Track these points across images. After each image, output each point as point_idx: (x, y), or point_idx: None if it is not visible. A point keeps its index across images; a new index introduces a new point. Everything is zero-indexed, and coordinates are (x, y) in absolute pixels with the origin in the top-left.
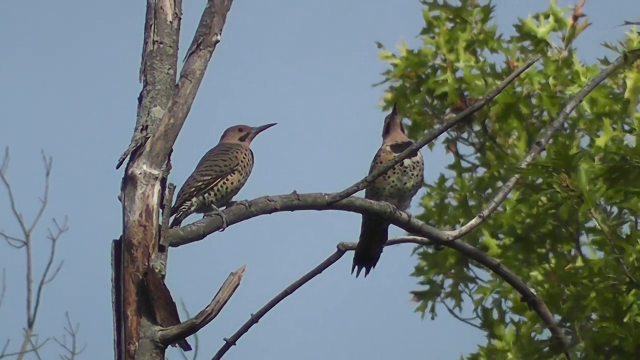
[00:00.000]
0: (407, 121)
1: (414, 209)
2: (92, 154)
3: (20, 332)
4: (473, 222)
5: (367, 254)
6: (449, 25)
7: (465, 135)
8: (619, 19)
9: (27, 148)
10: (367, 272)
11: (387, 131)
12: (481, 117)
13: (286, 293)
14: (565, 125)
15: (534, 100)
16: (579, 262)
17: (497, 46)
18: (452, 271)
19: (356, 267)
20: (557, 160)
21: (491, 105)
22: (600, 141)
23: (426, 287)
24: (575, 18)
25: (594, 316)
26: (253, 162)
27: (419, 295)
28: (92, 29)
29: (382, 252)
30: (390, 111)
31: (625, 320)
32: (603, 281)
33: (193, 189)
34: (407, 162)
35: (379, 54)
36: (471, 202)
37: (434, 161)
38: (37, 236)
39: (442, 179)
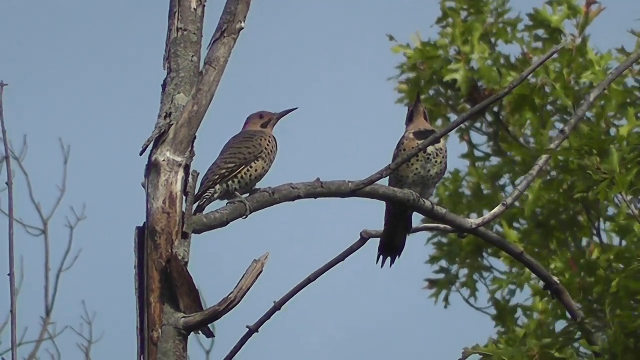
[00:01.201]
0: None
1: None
2: (109, 143)
3: (37, 320)
4: (497, 210)
5: (392, 244)
6: (464, 14)
7: (478, 124)
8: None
9: (45, 136)
10: (392, 262)
11: (410, 119)
12: (494, 107)
13: (309, 281)
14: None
15: (547, 89)
16: (596, 253)
17: (511, 37)
18: (468, 261)
19: (381, 257)
20: (590, 142)
21: (505, 101)
22: (624, 130)
23: (441, 276)
24: (589, 4)
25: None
26: (277, 149)
27: (433, 283)
28: (116, 15)
29: (406, 241)
30: (414, 100)
31: None
32: (630, 266)
33: (217, 176)
34: (430, 149)
35: (392, 48)
36: (485, 191)
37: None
38: (56, 224)
39: (457, 172)
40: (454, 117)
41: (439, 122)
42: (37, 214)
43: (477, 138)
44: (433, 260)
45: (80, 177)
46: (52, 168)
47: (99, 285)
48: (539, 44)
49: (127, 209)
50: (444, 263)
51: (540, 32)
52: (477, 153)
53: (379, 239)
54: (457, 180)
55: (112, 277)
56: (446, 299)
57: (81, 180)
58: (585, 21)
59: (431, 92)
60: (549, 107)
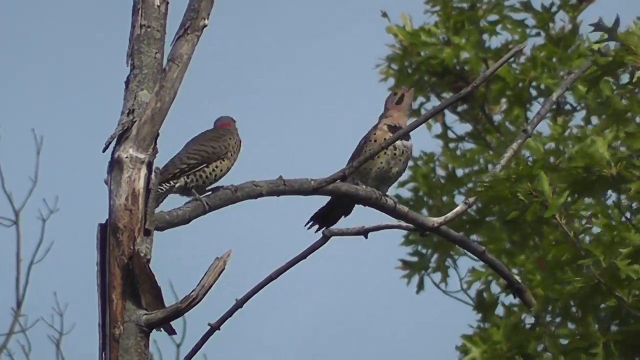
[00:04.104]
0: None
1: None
2: (81, 137)
3: (8, 311)
4: (459, 208)
5: (326, 217)
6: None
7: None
8: None
9: (17, 126)
10: (318, 229)
11: (394, 105)
12: (479, 99)
13: (271, 278)
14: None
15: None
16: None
17: (502, 28)
18: (436, 244)
19: (311, 223)
20: (518, 170)
21: (492, 87)
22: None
23: (415, 259)
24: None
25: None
26: (239, 149)
27: (407, 264)
28: (82, 12)
29: (338, 220)
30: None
31: (593, 322)
32: (570, 283)
33: (177, 170)
34: (399, 145)
35: (387, 28)
36: (459, 174)
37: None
38: (27, 216)
39: (431, 155)
40: (435, 102)
41: (420, 103)
42: (8, 204)
43: (450, 118)
44: (408, 242)
45: (53, 168)
46: (25, 158)
47: (71, 276)
48: (529, 31)
49: (99, 204)
50: (418, 247)
51: (529, 20)
52: (450, 134)
53: (341, 236)
54: (430, 162)
55: (83, 269)
56: (420, 284)
57: (54, 172)
58: (577, 8)
59: (416, 77)
60: (533, 93)
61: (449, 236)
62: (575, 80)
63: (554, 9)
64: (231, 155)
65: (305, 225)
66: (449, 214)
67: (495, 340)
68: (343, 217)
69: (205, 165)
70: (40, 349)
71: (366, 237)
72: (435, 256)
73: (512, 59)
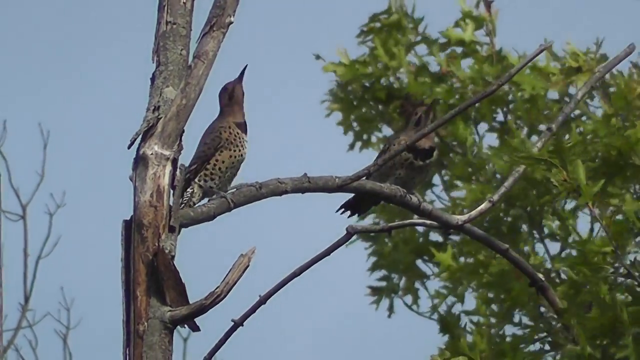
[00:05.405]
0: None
1: None
2: (87, 131)
3: (16, 306)
4: (483, 207)
5: (358, 206)
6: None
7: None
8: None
9: (24, 121)
10: (350, 216)
11: (415, 124)
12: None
13: (294, 275)
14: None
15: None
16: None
17: (430, 52)
18: (404, 267)
19: (343, 210)
20: (553, 154)
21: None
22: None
23: (383, 284)
24: (488, 6)
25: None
26: (239, 131)
27: (375, 290)
28: (104, 7)
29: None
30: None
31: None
32: (598, 272)
33: (184, 182)
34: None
35: (323, 67)
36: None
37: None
38: (34, 210)
39: None
40: (386, 130)
41: (374, 138)
42: (15, 199)
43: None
44: (374, 267)
45: (60, 163)
46: (31, 153)
47: (78, 271)
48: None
49: (107, 198)
50: (385, 272)
51: (457, 48)
52: None
53: (365, 233)
54: None
55: (90, 264)
56: (390, 308)
57: (60, 167)
58: (492, 27)
59: (363, 109)
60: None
61: (473, 234)
62: (600, 79)
63: (468, 27)
64: (229, 143)
65: (337, 211)
66: (473, 212)
67: (481, 349)
68: (374, 206)
69: (206, 163)
70: (47, 344)
71: (390, 234)
72: (404, 280)
73: (450, 76)
